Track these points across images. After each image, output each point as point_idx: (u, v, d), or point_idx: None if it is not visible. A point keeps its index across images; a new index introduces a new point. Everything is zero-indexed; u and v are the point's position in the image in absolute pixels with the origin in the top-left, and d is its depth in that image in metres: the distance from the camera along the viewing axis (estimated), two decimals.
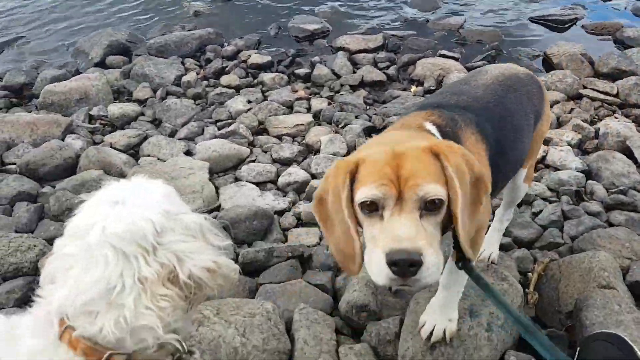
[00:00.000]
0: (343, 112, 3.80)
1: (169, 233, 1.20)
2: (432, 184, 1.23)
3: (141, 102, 4.05)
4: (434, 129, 1.52)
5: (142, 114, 3.88)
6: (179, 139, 3.56)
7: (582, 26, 4.94)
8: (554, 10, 5.14)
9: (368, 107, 3.96)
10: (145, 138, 3.54)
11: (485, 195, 1.35)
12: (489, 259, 2.21)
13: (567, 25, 4.96)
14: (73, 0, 5.98)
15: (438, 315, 1.80)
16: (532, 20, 5.09)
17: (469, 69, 4.26)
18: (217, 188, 3.02)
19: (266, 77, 4.37)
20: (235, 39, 5.07)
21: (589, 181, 2.90)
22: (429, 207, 1.24)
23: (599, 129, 3.32)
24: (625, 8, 5.26)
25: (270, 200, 2.89)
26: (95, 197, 1.32)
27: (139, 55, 4.73)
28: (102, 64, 4.61)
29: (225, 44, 5.00)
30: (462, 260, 1.45)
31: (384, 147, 1.33)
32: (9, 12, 5.75)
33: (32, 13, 5.68)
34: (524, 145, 1.84)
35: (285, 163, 3.30)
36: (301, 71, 4.49)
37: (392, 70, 4.43)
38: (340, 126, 3.68)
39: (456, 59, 4.46)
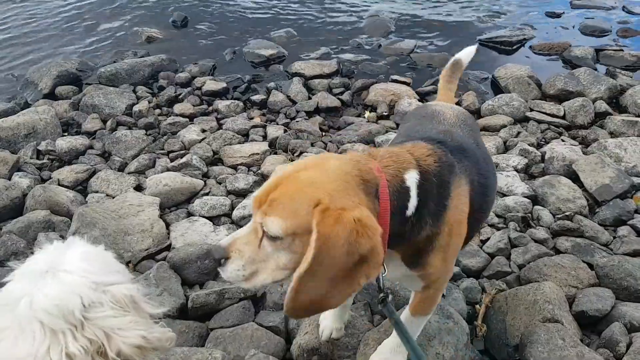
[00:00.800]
0: (299, 140, 3.80)
1: (97, 307, 1.18)
2: (276, 220, 1.23)
3: (90, 134, 3.96)
4: (414, 179, 1.36)
5: (92, 147, 3.79)
6: (128, 173, 3.49)
7: (530, 47, 5.10)
8: (502, 32, 5.29)
9: (323, 134, 3.99)
10: (94, 173, 3.46)
11: (375, 272, 1.25)
12: None
13: (515, 47, 5.12)
14: (22, 29, 5.82)
15: (388, 356, 1.81)
16: (481, 42, 5.23)
17: (419, 94, 4.35)
18: (168, 225, 2.97)
19: (221, 104, 4.34)
20: (189, 65, 5.03)
21: (536, 206, 2.98)
22: (269, 234, 1.27)
23: (545, 152, 3.42)
24: (574, 26, 5.44)
25: (223, 236, 2.86)
26: (28, 264, 1.31)
27: (89, 85, 4.64)
28: (51, 95, 4.50)
29: (180, 70, 4.95)
30: (383, 301, 1.47)
31: (297, 167, 1.34)
32: None
33: None
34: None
35: (241, 194, 3.27)
36: (257, 97, 4.48)
37: (346, 96, 4.47)
38: (295, 154, 3.68)
39: (408, 84, 4.54)
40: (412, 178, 1.36)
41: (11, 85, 4.78)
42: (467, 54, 2.48)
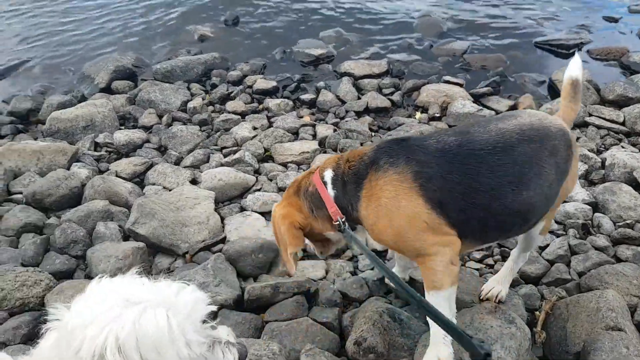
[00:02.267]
0: (348, 139, 3.80)
1: None
2: None
3: (147, 128, 4.07)
4: (329, 174, 1.98)
5: (148, 140, 3.89)
6: (184, 167, 3.57)
7: (588, 51, 4.96)
8: (559, 35, 5.16)
9: (373, 134, 3.97)
10: (151, 166, 3.55)
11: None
12: (496, 297, 2.19)
13: (572, 50, 4.98)
14: (79, 25, 6.02)
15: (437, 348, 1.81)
16: (537, 45, 5.11)
17: (473, 96, 4.28)
18: (222, 218, 3.02)
19: (272, 103, 4.39)
20: (240, 63, 5.10)
21: (596, 214, 2.89)
22: None
23: (606, 159, 3.31)
24: (632, 32, 5.26)
25: None
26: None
27: (145, 80, 4.77)
28: (107, 89, 4.64)
29: (231, 68, 5.03)
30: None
31: None
32: (15, 36, 5.80)
33: (38, 37, 5.72)
34: (531, 199, 1.83)
35: None
36: (306, 97, 4.51)
37: (396, 96, 4.45)
38: None
39: (460, 85, 4.48)
40: (327, 175, 1.99)
41: (68, 79, 4.95)
42: (578, 68, 2.17)
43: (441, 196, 1.77)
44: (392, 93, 4.53)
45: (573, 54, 4.92)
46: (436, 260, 1.80)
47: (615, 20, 5.46)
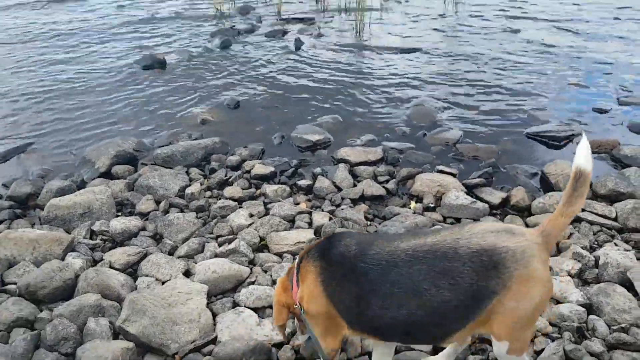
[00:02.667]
0: (344, 229, 3.83)
1: None
2: None
3: (144, 215, 4.10)
4: (298, 261, 2.30)
5: (144, 228, 3.91)
6: (178, 257, 3.56)
7: (579, 143, 5.06)
8: (550, 126, 5.31)
9: (369, 223, 4.00)
10: (145, 255, 3.55)
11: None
12: None
13: (563, 142, 5.11)
14: (83, 107, 6.21)
15: None
16: (529, 136, 5.25)
17: (466, 186, 4.35)
18: (214, 315, 2.98)
19: (269, 188, 4.45)
20: (240, 147, 5.21)
21: (591, 316, 2.87)
22: None
23: (599, 257, 3.33)
24: (622, 123, 5.41)
25: (268, 330, 2.85)
26: None
27: (145, 165, 4.86)
28: (108, 174, 4.72)
29: (230, 153, 5.14)
30: None
31: None
32: (21, 116, 5.96)
33: (43, 118, 5.88)
34: (414, 315, 2.02)
35: None
36: (303, 182, 4.58)
37: (391, 185, 4.52)
38: None
39: (454, 175, 4.56)
40: (297, 261, 2.30)
41: (69, 163, 5.04)
42: (584, 157, 2.05)
43: (338, 295, 2.12)
44: (387, 181, 4.60)
45: (565, 145, 5.09)
46: (323, 346, 2.23)
47: (606, 112, 5.63)
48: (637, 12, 9.00)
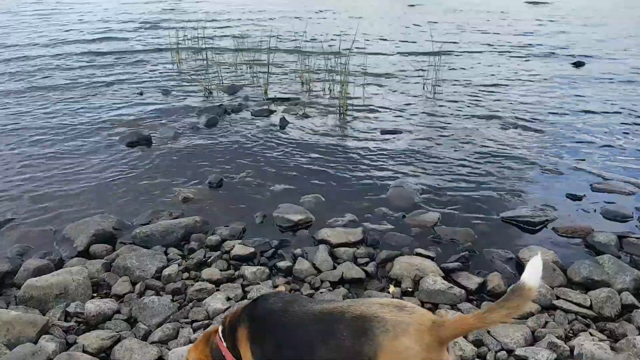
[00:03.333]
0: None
1: None
2: None
3: (119, 297, 4.05)
4: (220, 330, 2.67)
5: (119, 311, 3.86)
6: (152, 342, 3.50)
7: (553, 228, 5.19)
8: (525, 211, 5.43)
9: None
10: (119, 340, 3.49)
11: None
12: None
13: (538, 227, 5.22)
14: (66, 182, 6.24)
15: None
16: (504, 220, 5.37)
17: (444, 270, 4.39)
18: None
19: (248, 270, 4.44)
20: (220, 227, 5.24)
21: None
22: None
23: (574, 346, 3.34)
24: (595, 210, 5.55)
25: None
26: None
27: (124, 244, 4.84)
28: (86, 253, 4.69)
29: (211, 232, 5.15)
30: None
31: None
32: (3, 192, 5.96)
33: (24, 193, 5.89)
34: None
35: None
36: (283, 264, 4.59)
37: (371, 267, 4.54)
38: None
39: (432, 259, 4.61)
40: (220, 332, 2.67)
41: (48, 240, 5.00)
42: (532, 273, 1.94)
43: (264, 345, 2.43)
44: (366, 263, 4.63)
45: (539, 230, 5.20)
46: None
47: (579, 199, 5.79)
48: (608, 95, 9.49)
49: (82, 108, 9.07)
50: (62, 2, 24.79)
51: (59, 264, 4.48)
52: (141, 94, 9.97)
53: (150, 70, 11.85)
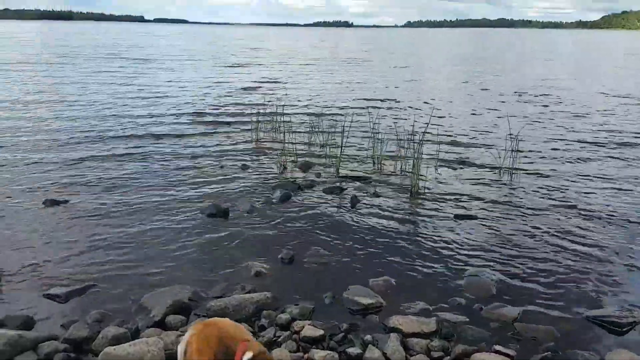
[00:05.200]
0: None
1: None
2: None
3: None
4: None
5: None
6: None
7: None
8: (611, 311, 5.09)
9: None
10: None
11: None
12: None
13: (625, 329, 4.86)
14: (145, 250, 6.52)
15: None
16: (589, 319, 5.04)
17: None
18: None
19: (317, 355, 4.38)
20: (290, 305, 5.24)
21: None
22: None
23: None
24: None
25: None
26: None
27: (198, 316, 4.93)
28: (161, 323, 4.80)
29: (281, 309, 5.16)
30: None
31: None
32: (85, 259, 6.27)
33: (106, 263, 6.15)
34: None
35: None
36: (353, 350, 4.49)
37: None
38: None
39: (511, 357, 4.36)
40: None
41: (126, 307, 5.16)
42: None
43: None
44: (441, 358, 4.45)
45: (627, 332, 4.83)
46: None
47: None
48: None
49: (165, 179, 9.57)
50: (145, 74, 26.90)
51: (136, 333, 4.60)
52: (222, 167, 10.46)
53: (231, 145, 12.44)
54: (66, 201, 8.13)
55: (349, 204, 8.45)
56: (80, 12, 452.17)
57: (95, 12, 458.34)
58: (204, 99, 19.36)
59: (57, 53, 41.00)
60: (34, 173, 9.64)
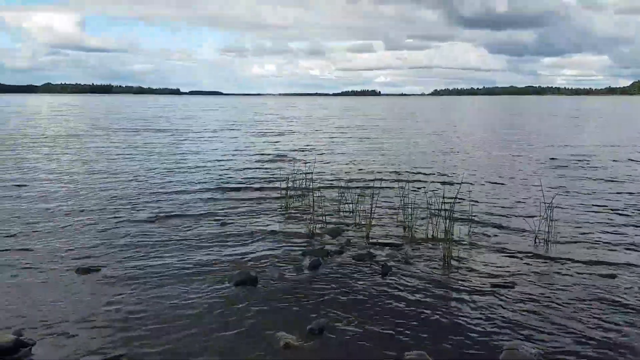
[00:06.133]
0: None
1: None
2: None
3: None
4: None
5: None
6: None
7: None
8: None
9: None
10: None
11: None
12: None
13: None
14: (173, 320, 6.42)
15: None
16: None
17: None
18: None
19: None
20: None
21: None
22: None
23: None
24: None
25: None
26: None
27: None
28: None
29: None
30: None
31: None
32: (116, 327, 6.21)
33: (133, 333, 6.04)
34: None
35: None
36: None
37: None
38: None
39: None
40: None
41: None
42: None
43: None
44: None
45: None
46: None
47: None
48: None
49: (194, 246, 9.59)
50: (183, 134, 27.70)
51: None
52: (251, 233, 10.44)
53: (260, 210, 12.49)
54: (98, 269, 8.18)
55: (380, 272, 8.26)
56: (119, 86, 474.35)
57: (133, 86, 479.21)
58: (234, 166, 19.72)
59: (96, 125, 42.78)
60: (67, 239, 9.80)
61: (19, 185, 15.31)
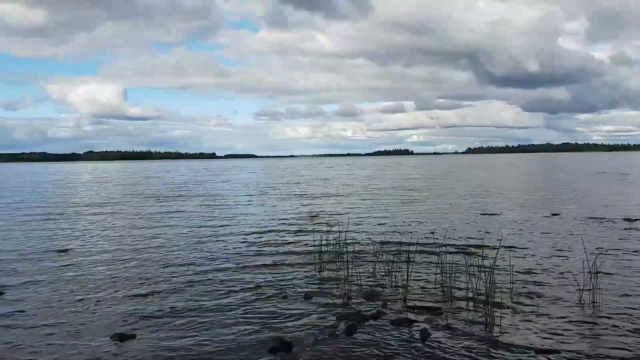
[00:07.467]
0: None
1: None
2: None
3: None
4: None
5: None
6: None
7: None
8: None
9: None
10: None
11: None
12: None
13: None
14: None
15: None
16: None
17: None
18: None
19: None
20: None
21: None
22: None
23: None
24: None
25: None
26: None
27: None
28: None
29: None
30: None
31: None
32: None
33: None
34: None
35: None
36: None
37: None
38: None
39: None
40: None
41: None
42: None
43: None
44: None
45: None
46: None
47: None
48: None
49: (228, 311, 9.49)
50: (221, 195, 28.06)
51: None
52: (285, 297, 10.29)
53: (294, 273, 12.36)
54: (133, 335, 8.15)
55: (419, 338, 7.95)
56: (158, 152, 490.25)
57: (171, 152, 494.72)
58: (268, 229, 19.76)
59: (134, 192, 43.96)
60: (104, 308, 9.85)
61: (60, 251, 15.70)
